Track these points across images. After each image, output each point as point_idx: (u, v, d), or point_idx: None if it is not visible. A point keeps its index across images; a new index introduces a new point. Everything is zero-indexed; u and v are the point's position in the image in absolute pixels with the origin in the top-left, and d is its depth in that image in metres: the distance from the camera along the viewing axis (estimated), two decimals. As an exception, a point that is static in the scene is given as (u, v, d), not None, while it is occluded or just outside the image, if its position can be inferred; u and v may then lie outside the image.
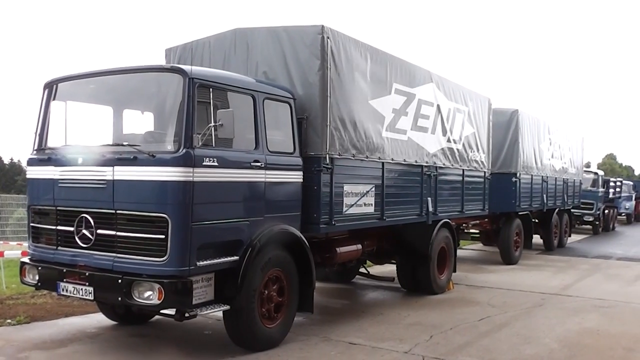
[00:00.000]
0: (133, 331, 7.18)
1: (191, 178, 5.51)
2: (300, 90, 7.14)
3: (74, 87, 6.59)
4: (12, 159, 75.59)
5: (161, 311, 6.21)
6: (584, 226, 24.52)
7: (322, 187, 7.11)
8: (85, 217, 5.92)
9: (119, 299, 5.64)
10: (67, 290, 5.99)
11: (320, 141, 7.09)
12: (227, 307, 5.90)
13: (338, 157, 7.36)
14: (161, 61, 8.41)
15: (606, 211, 26.16)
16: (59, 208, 6.19)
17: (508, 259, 14.53)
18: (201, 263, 5.64)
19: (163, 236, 5.48)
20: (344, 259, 8.38)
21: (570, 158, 18.89)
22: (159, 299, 5.46)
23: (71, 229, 6.04)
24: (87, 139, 6.41)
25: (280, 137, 6.71)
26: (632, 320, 8.66)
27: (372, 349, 6.71)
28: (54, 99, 6.64)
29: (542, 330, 7.79)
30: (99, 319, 7.63)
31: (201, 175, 5.60)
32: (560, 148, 17.66)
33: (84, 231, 5.93)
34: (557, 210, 17.64)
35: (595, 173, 25.65)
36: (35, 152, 6.60)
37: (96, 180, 5.83)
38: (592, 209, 23.71)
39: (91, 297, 5.84)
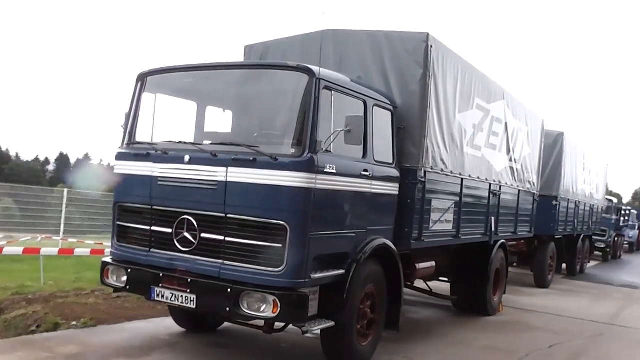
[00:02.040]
0: (208, 340, 6.78)
1: (314, 185, 5.19)
2: (399, 99, 6.85)
3: (173, 80, 6.24)
4: None
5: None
6: (595, 253, 24.43)
7: (415, 201, 6.82)
8: (188, 219, 5.54)
9: (227, 309, 5.27)
10: (162, 296, 5.59)
11: (417, 153, 6.81)
12: (332, 324, 5.55)
13: (430, 170, 7.07)
14: (239, 58, 8.08)
15: (616, 239, 26.14)
16: (155, 207, 5.80)
17: (542, 283, 14.34)
18: (314, 276, 5.31)
19: (280, 245, 5.13)
20: (422, 276, 8.09)
21: (597, 184, 18.80)
22: (273, 312, 5.10)
23: (169, 230, 5.66)
24: (189, 136, 6.04)
25: (382, 147, 6.39)
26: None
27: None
28: (147, 92, 6.26)
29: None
30: (166, 325, 7.25)
31: (322, 182, 5.28)
32: (591, 173, 17.55)
33: (185, 234, 5.55)
34: (582, 235, 17.50)
35: (610, 200, 25.62)
36: (126, 146, 6.22)
37: (205, 181, 5.45)
38: (604, 235, 23.63)
39: (192, 306, 5.44)
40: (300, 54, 7.42)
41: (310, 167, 5.14)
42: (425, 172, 6.93)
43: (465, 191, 8.25)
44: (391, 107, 6.60)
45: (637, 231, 33.90)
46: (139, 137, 6.25)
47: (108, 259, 6.24)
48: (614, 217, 24.78)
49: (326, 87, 5.40)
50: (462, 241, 8.38)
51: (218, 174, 5.38)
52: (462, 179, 8.11)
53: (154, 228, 5.80)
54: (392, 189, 6.54)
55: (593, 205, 18.29)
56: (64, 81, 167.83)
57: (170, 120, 6.44)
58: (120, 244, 6.10)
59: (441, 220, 7.60)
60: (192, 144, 5.73)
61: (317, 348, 6.03)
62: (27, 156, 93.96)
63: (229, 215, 5.34)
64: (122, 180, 6.15)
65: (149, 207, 5.83)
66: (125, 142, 6.24)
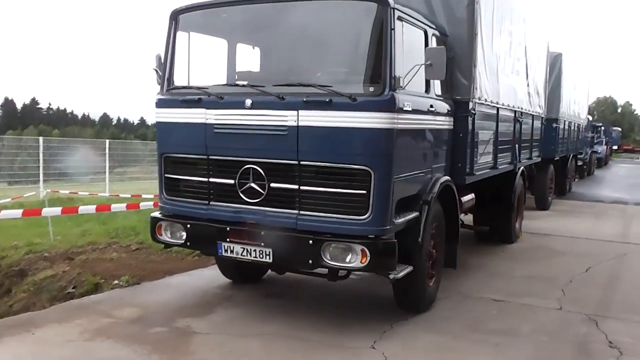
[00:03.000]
0: (262, 291, 6.52)
1: (395, 125, 4.84)
2: (446, 27, 6.45)
3: (214, 17, 5.68)
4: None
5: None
6: (573, 170, 24.89)
7: (468, 134, 6.56)
8: (254, 169, 5.15)
9: (309, 262, 4.98)
10: (232, 251, 5.26)
11: (467, 84, 6.50)
12: (410, 268, 5.33)
13: (478, 102, 6.78)
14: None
15: (591, 155, 26.71)
16: (213, 157, 5.37)
17: (543, 205, 14.50)
18: (397, 221, 5.05)
19: (364, 191, 4.82)
20: (466, 210, 7.92)
21: (582, 103, 18.89)
22: (362, 262, 4.84)
23: (231, 181, 5.27)
24: (244, 77, 5.53)
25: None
26: None
27: (524, 306, 6.35)
28: (183, 31, 5.71)
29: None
30: (207, 277, 7.04)
31: (402, 122, 4.94)
32: (579, 93, 17.57)
33: (252, 184, 5.17)
34: (571, 155, 17.69)
35: (587, 118, 25.93)
36: (167, 92, 5.69)
37: (272, 127, 5.03)
38: (582, 153, 24.03)
39: (269, 260, 5.14)
40: None
41: (391, 106, 4.79)
42: (475, 103, 6.63)
43: (500, 121, 8.04)
44: (445, 37, 6.21)
45: (605, 146, 34.78)
46: (178, 81, 5.74)
47: (157, 214, 5.83)
48: (589, 134, 25.17)
49: (399, 18, 4.97)
50: (498, 171, 8.22)
51: (288, 118, 4.96)
52: (497, 108, 7.87)
53: (212, 180, 5.40)
54: (449, 123, 6.25)
55: (579, 124, 18.43)
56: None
57: (213, 62, 5.92)
58: (171, 197, 5.69)
59: (484, 152, 7.39)
60: (253, 86, 5.20)
61: (367, 288, 5.97)
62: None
63: (302, 163, 4.97)
64: (167, 129, 5.66)
65: (205, 157, 5.39)
66: (166, 87, 5.71)
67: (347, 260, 4.89)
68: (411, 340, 5.18)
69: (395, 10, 4.87)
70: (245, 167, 5.18)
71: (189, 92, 5.53)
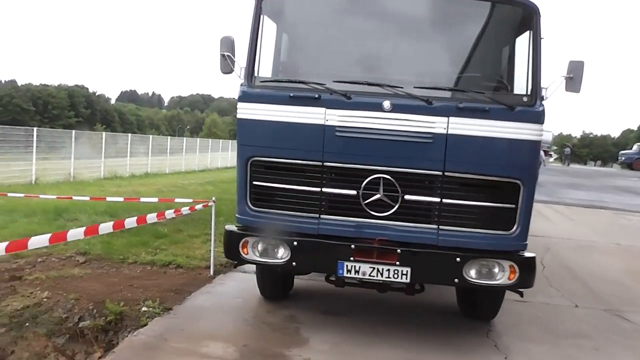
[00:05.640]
0: (318, 307, 5.93)
1: (541, 137, 4.71)
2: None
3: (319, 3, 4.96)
4: None
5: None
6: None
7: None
8: (384, 178, 4.61)
9: (455, 280, 4.63)
10: (358, 272, 4.65)
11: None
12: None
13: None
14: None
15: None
16: (329, 164, 4.67)
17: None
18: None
19: (512, 205, 4.63)
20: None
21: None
22: (509, 279, 4.66)
23: (353, 192, 4.66)
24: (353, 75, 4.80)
25: None
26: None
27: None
28: (275, 16, 4.94)
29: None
30: (230, 293, 6.33)
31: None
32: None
33: (381, 196, 4.63)
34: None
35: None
36: (261, 83, 4.82)
37: (416, 133, 4.54)
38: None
39: (405, 280, 4.64)
40: None
41: (542, 118, 4.65)
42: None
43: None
44: None
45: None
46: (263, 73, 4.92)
47: (233, 228, 4.94)
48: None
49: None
50: None
51: (435, 125, 4.53)
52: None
53: (327, 190, 4.71)
54: None
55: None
56: None
57: (306, 52, 5.13)
58: (261, 209, 4.84)
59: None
60: (391, 86, 4.58)
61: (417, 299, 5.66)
62: None
63: (447, 174, 4.58)
64: (259, 128, 4.78)
65: (319, 163, 4.68)
66: (255, 79, 4.82)
67: (495, 277, 4.66)
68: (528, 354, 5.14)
69: (541, 17, 4.72)
70: (373, 176, 4.62)
71: (283, 86, 4.74)
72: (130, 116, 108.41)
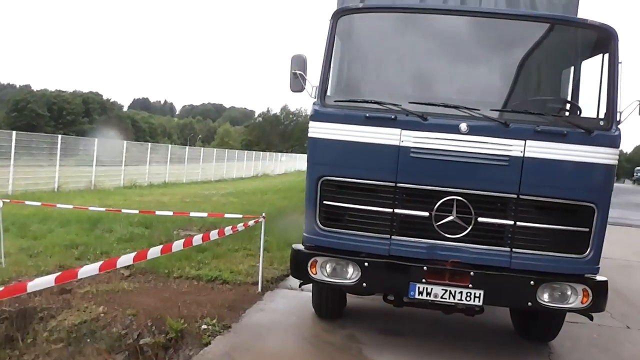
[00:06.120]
0: (375, 327, 5.88)
1: (616, 161, 4.67)
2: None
3: (391, 23, 4.93)
4: None
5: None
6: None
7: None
8: (458, 200, 4.58)
9: (528, 303, 4.58)
10: (430, 294, 4.61)
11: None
12: None
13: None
14: None
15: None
16: (402, 185, 4.65)
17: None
18: None
19: (587, 229, 4.58)
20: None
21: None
22: (582, 303, 4.62)
23: (425, 214, 4.62)
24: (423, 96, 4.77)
25: None
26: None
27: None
28: (348, 35, 4.92)
29: None
30: (283, 310, 6.36)
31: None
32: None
33: (454, 218, 4.59)
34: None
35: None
36: (335, 103, 4.80)
37: (491, 156, 4.52)
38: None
39: (478, 302, 4.61)
40: None
41: (618, 142, 4.61)
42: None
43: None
44: None
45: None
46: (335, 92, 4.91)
47: (300, 247, 4.91)
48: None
49: None
50: None
51: (512, 148, 4.51)
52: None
53: (399, 211, 4.67)
54: None
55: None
56: None
57: (377, 72, 5.12)
58: (331, 229, 4.80)
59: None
60: (468, 108, 4.56)
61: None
62: None
63: (521, 196, 4.54)
64: (331, 148, 4.77)
65: (392, 184, 4.65)
66: (328, 98, 4.81)
67: (567, 300, 4.62)
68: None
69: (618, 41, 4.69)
70: (447, 198, 4.59)
71: (356, 105, 4.71)
72: (143, 124, 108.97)
